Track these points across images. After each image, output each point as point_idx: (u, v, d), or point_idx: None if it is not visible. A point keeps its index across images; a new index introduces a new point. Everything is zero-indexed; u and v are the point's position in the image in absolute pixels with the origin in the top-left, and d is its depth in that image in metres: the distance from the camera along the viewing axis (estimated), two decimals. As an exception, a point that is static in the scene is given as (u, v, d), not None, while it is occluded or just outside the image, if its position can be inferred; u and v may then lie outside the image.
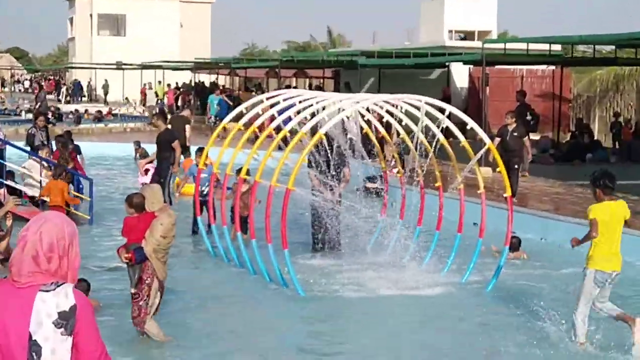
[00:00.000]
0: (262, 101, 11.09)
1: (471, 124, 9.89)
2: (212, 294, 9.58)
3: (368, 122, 10.99)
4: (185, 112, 19.32)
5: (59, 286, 3.24)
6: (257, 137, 10.76)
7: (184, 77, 45.19)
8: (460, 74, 28.56)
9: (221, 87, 37.25)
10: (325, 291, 9.49)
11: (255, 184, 9.83)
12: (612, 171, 7.98)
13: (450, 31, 30.60)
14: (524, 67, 27.92)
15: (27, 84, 62.09)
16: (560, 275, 10.50)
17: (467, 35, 30.94)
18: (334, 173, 10.52)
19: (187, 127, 16.88)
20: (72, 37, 59.24)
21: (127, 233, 7.55)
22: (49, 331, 3.33)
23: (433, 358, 7.88)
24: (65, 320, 3.34)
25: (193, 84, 42.61)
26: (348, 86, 29.61)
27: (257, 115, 10.87)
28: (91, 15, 54.50)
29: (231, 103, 28.95)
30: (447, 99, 21.05)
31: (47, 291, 3.30)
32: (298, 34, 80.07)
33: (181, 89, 42.22)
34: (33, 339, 3.30)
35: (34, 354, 3.31)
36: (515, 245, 10.71)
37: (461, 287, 9.77)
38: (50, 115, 25.06)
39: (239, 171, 10.34)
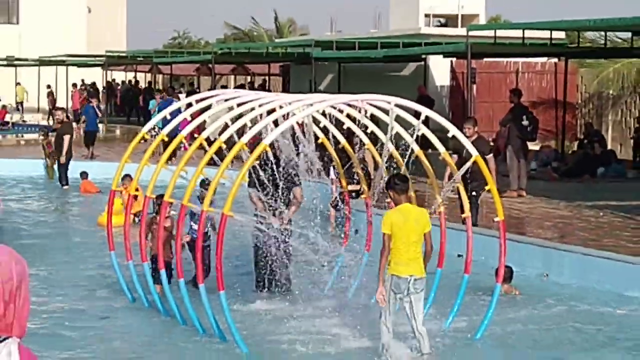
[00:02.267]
0: (190, 105, 10.21)
1: (453, 131, 8.97)
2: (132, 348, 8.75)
3: (325, 130, 10.14)
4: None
5: (1, 341, 3.05)
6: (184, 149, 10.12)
7: (93, 76, 41.05)
8: (440, 69, 26.13)
9: (161, 90, 32.98)
10: (273, 343, 8.66)
11: (182, 209, 8.76)
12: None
13: (428, 15, 28.66)
14: (520, 60, 25.84)
15: None
16: (564, 316, 9.88)
17: (449, 21, 29.04)
18: (282, 194, 9.74)
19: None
20: None
21: None
22: None
23: None
24: None
25: (104, 84, 39.60)
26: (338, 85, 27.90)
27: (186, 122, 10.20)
28: None
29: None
30: (423, 99, 19.84)
31: None
32: (237, 19, 76.38)
33: (87, 90, 36.97)
34: None
35: None
36: (505, 276, 9.89)
37: (444, 334, 8.95)
38: None
39: (160, 196, 9.37)
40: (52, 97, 38.02)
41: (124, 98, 39.20)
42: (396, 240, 7.98)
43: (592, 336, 9.51)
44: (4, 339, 2.83)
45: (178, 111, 12.20)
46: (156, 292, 9.49)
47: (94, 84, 39.89)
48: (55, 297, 10.57)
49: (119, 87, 42.00)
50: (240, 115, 9.55)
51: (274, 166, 9.60)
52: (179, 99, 22.36)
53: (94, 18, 49.02)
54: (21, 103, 40.49)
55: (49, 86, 38.75)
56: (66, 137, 18.63)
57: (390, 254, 7.98)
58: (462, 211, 9.84)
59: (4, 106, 36.39)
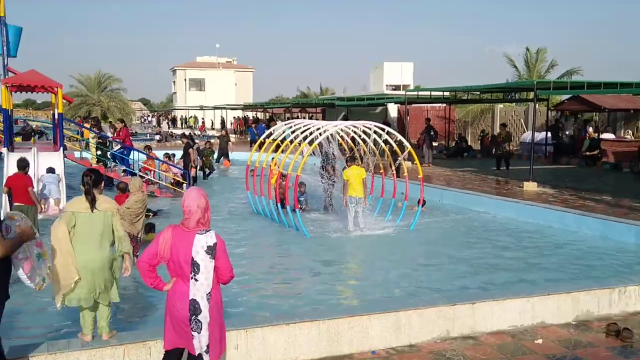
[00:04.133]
0: (281, 126, 15.39)
1: (399, 137, 14.46)
2: (257, 233, 13.18)
3: (342, 137, 15.40)
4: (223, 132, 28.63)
5: (207, 231, 4.63)
6: (277, 147, 15.13)
7: (237, 114, 65.87)
8: (393, 109, 39.03)
9: (254, 119, 51.92)
10: (320, 233, 13.07)
11: (288, 176, 14.13)
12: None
13: (387, 85, 40.73)
14: (429, 105, 37.06)
15: (150, 119, 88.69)
16: (450, 219, 14.89)
17: (397, 87, 40.61)
18: (329, 168, 14.68)
19: (230, 143, 26.92)
20: (174, 91, 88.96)
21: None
22: (203, 256, 4.58)
23: (400, 261, 10.93)
24: (211, 251, 4.56)
25: (242, 118, 59.14)
26: (345, 117, 38.71)
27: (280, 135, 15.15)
28: (185, 79, 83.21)
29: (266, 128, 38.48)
30: (385, 124, 24.84)
31: (201, 234, 4.62)
32: (302, 86, 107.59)
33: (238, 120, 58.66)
34: (194, 259, 4.56)
35: (195, 267, 4.57)
36: (423, 203, 14.58)
37: (395, 227, 13.66)
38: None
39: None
40: (222, 122, 58.64)
41: (246, 123, 54.48)
42: (351, 181, 12.54)
43: (467, 228, 13.99)
44: (209, 230, 4.62)
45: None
46: (279, 213, 13.52)
47: (246, 117, 59.97)
48: (216, 218, 13.72)
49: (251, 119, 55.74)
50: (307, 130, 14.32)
51: (323, 154, 14.50)
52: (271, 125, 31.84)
53: (238, 87, 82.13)
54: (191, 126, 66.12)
55: (222, 117, 61.86)
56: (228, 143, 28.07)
57: (348, 187, 12.50)
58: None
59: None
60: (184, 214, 4.59)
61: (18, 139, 26.41)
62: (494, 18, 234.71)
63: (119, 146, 21.07)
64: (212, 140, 28.75)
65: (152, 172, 20.26)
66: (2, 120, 17.25)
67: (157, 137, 46.88)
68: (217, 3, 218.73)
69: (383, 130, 14.25)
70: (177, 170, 20.19)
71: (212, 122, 69.98)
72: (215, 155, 26.35)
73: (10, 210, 11.22)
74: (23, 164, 12.20)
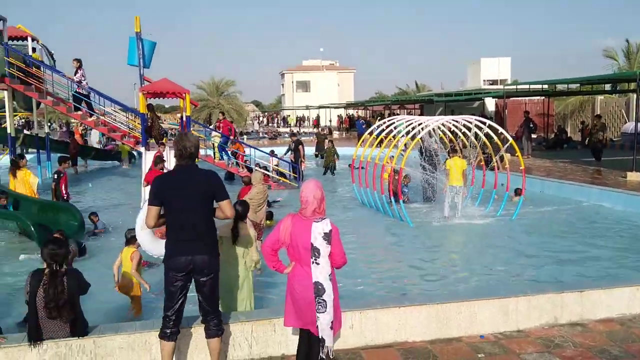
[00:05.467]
0: (384, 122, 15.27)
1: (501, 129, 13.74)
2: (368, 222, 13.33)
3: (443, 132, 15.28)
4: (326, 130, 28.06)
5: (323, 219, 4.70)
6: (381, 142, 15.09)
7: (340, 112, 66.41)
8: (491, 104, 38.01)
9: (357, 117, 55.35)
10: (422, 222, 13.11)
11: (401, 170, 14.01)
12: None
13: (485, 80, 39.69)
14: (526, 98, 35.55)
15: (262, 118, 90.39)
16: (552, 209, 14.29)
17: (494, 82, 39.67)
18: (429, 159, 14.51)
19: (326, 140, 24.88)
20: (283, 93, 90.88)
21: (240, 195, 10.82)
22: (320, 241, 4.68)
23: (503, 248, 10.70)
24: (327, 237, 4.66)
25: (345, 116, 60.82)
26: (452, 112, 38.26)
27: (382, 130, 14.99)
28: (292, 82, 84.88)
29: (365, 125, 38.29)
30: (483, 117, 25.85)
31: (317, 221, 4.70)
32: (399, 83, 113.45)
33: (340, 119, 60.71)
34: (313, 245, 4.68)
35: (315, 252, 4.68)
36: (518, 193, 14.20)
37: (498, 217, 13.36)
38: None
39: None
40: (317, 121, 62.44)
41: (351, 120, 54.95)
42: (452, 170, 12.69)
43: (570, 218, 13.36)
44: (324, 218, 4.66)
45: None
46: (391, 204, 13.20)
47: (351, 115, 60.76)
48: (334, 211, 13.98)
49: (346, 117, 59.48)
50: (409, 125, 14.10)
51: (424, 148, 14.56)
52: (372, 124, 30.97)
53: (340, 87, 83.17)
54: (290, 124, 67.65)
55: (317, 115, 64.61)
56: (326, 141, 24.86)
57: (449, 176, 12.58)
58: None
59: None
60: (301, 203, 4.66)
61: (151, 140, 27.88)
62: (591, 10, 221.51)
63: (235, 145, 21.73)
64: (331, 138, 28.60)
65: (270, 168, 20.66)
66: (140, 122, 18.27)
67: (267, 135, 47.95)
68: (321, 10, 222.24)
69: (484, 123, 13.82)
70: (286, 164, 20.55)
71: (318, 120, 71.23)
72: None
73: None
74: (158, 161, 12.91)
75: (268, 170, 20.21)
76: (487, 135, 14.14)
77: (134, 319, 6.96)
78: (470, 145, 14.83)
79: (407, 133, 14.32)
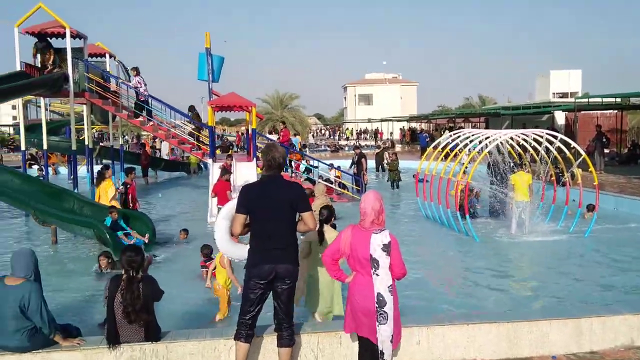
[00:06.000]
0: (450, 136, 15.11)
1: (573, 143, 13.29)
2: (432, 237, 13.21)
3: (511, 146, 14.65)
4: (388, 143, 28.75)
5: (382, 231, 4.72)
6: (446, 156, 14.59)
7: (403, 125, 64.98)
8: (561, 117, 36.60)
9: (419, 130, 54.95)
10: (489, 238, 12.78)
11: (467, 183, 13.52)
12: None
13: (554, 93, 38.90)
14: (599, 112, 34.00)
15: (324, 131, 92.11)
16: (626, 227, 13.71)
17: (564, 95, 38.54)
18: (496, 173, 14.19)
19: (386, 154, 25.14)
20: (345, 106, 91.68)
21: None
22: (380, 253, 4.69)
23: (574, 266, 10.29)
24: (387, 248, 4.66)
25: (407, 129, 59.25)
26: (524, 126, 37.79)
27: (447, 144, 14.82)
28: (355, 95, 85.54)
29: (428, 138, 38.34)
30: (554, 130, 25.36)
31: (376, 233, 4.70)
32: (462, 96, 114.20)
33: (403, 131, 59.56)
34: (372, 256, 4.69)
35: (374, 263, 4.69)
36: (591, 209, 13.73)
37: (570, 234, 12.91)
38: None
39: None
40: (378, 132, 61.79)
41: (413, 133, 54.52)
42: (517, 185, 12.27)
43: None
44: (383, 230, 4.68)
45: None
46: (457, 220, 12.83)
47: (414, 129, 59.45)
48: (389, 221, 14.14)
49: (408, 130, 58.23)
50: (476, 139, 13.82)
51: (491, 162, 14.18)
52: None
53: (403, 101, 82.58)
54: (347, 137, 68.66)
55: (376, 128, 63.60)
56: (386, 154, 25.83)
57: (515, 192, 12.25)
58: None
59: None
60: (360, 215, 4.69)
61: (218, 151, 28.58)
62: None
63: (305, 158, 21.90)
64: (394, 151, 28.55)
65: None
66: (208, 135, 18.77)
67: (329, 148, 48.18)
68: (384, 25, 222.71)
69: (555, 137, 13.43)
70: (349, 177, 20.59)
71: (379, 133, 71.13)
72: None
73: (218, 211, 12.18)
74: (224, 172, 13.26)
75: (331, 183, 20.26)
76: (558, 149, 13.66)
77: (220, 321, 7.41)
78: (540, 160, 14.32)
79: (474, 147, 14.15)
